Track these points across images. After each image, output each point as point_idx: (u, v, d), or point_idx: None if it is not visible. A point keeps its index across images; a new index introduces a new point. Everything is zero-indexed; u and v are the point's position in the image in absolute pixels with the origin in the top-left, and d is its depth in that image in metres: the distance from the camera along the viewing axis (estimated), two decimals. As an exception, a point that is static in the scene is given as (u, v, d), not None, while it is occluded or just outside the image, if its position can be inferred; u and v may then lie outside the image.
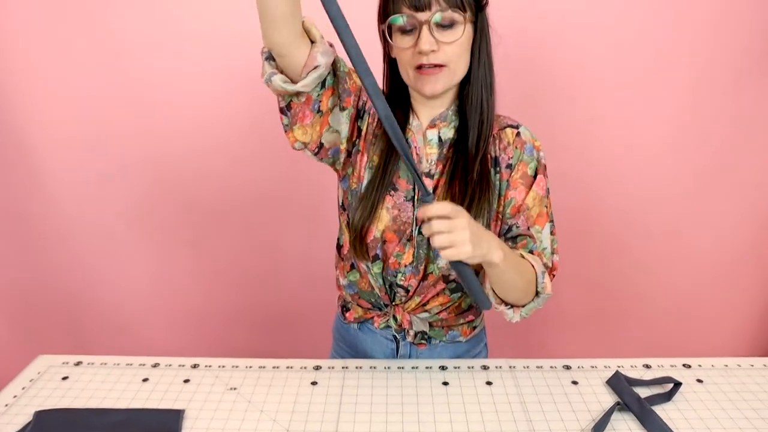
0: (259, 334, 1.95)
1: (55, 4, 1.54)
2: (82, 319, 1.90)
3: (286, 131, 0.97)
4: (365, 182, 1.03)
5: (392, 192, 1.02)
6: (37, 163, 1.70)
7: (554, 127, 1.68)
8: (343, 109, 0.99)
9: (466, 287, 0.90)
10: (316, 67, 0.86)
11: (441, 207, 0.81)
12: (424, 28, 0.91)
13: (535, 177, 1.04)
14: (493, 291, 0.99)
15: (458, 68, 0.97)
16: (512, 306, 1.01)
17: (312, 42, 0.88)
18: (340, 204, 1.10)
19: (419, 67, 0.94)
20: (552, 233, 1.06)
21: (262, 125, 1.66)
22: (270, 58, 0.88)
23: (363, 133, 1.03)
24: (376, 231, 1.02)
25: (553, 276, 1.05)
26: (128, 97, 1.64)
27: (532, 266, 0.98)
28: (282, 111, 0.95)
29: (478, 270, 0.99)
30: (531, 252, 1.03)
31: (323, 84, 0.92)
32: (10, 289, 1.87)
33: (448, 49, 0.93)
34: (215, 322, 1.93)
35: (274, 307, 1.91)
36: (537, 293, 1.00)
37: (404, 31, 0.93)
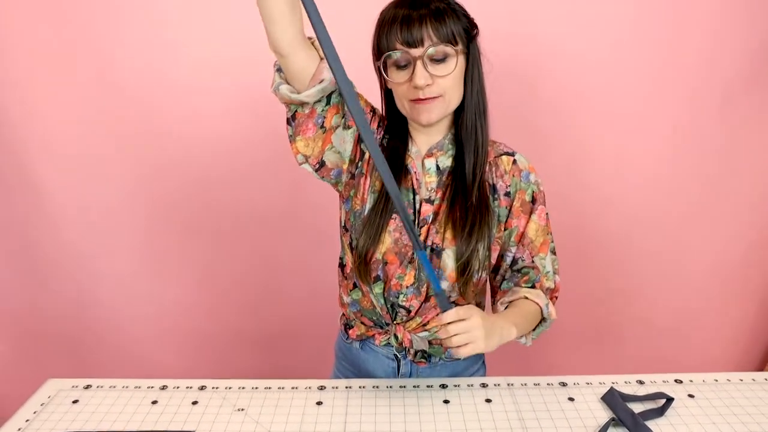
0: (264, 352, 1.97)
1: (54, 14, 1.56)
2: (85, 342, 1.91)
3: (290, 142, 1.00)
4: (368, 206, 1.06)
5: (394, 216, 1.06)
6: (37, 186, 1.72)
7: (548, 148, 1.73)
8: (347, 128, 1.02)
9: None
10: (321, 81, 0.91)
11: (454, 313, 0.89)
12: (418, 63, 0.95)
13: (533, 202, 1.09)
14: None
15: (452, 98, 1.01)
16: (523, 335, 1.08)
17: (321, 59, 0.92)
18: (342, 225, 1.13)
19: (415, 100, 0.99)
20: (554, 254, 1.12)
21: (265, 144, 1.69)
22: (280, 70, 0.93)
23: (366, 156, 1.07)
24: (377, 253, 1.06)
25: (556, 297, 1.10)
26: (129, 120, 1.67)
27: (537, 304, 1.05)
28: (288, 121, 0.99)
29: None
30: (533, 285, 1.10)
31: (329, 100, 0.96)
32: (14, 315, 1.88)
33: (442, 82, 0.97)
34: (219, 341, 1.95)
35: (278, 325, 1.93)
36: (544, 319, 1.07)
37: (399, 66, 0.98)
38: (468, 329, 0.89)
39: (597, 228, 1.84)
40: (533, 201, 1.09)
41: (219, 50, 1.61)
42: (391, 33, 0.95)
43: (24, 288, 1.85)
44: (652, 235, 1.85)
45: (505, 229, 1.09)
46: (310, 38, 0.92)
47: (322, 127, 0.98)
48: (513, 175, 1.08)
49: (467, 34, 1.00)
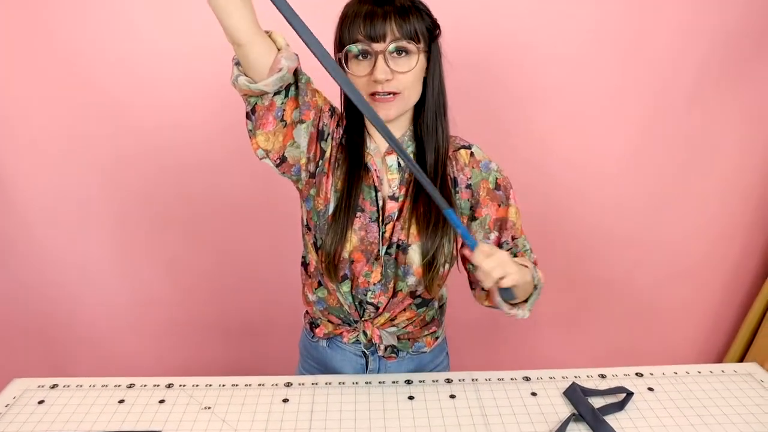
0: (233, 343, 1.98)
1: (26, 20, 1.54)
2: (56, 334, 1.90)
3: (250, 137, 0.99)
4: (332, 206, 1.07)
5: (359, 214, 1.06)
6: (3, 178, 1.70)
7: (515, 141, 1.74)
8: (302, 122, 1.01)
9: (510, 297, 1.00)
10: (279, 70, 0.90)
11: (483, 252, 0.92)
12: (380, 57, 0.95)
13: (498, 189, 1.10)
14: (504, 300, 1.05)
15: (411, 95, 1.02)
16: (518, 305, 1.07)
17: (279, 50, 0.91)
18: (305, 224, 1.13)
19: (373, 94, 0.99)
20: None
21: (233, 134, 1.67)
22: (238, 63, 0.92)
23: (327, 155, 1.06)
24: (344, 252, 1.06)
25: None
26: (100, 113, 1.64)
27: (526, 266, 1.04)
28: (247, 116, 0.97)
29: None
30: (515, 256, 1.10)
31: (287, 93, 0.95)
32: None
33: (402, 78, 0.97)
34: (188, 333, 1.95)
35: (246, 316, 1.94)
36: (535, 286, 1.07)
37: (359, 60, 0.98)
38: (500, 263, 0.91)
39: (563, 220, 1.86)
40: (498, 187, 1.10)
41: (186, 39, 1.58)
42: (354, 26, 0.95)
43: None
44: (616, 229, 1.87)
45: (474, 219, 1.10)
46: (267, 31, 0.91)
47: (282, 120, 0.96)
48: (473, 167, 1.10)
49: (430, 33, 1.00)
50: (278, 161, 1.01)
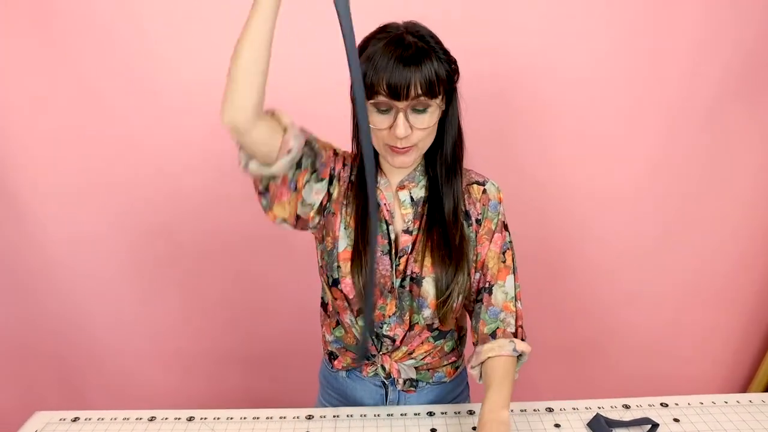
0: (253, 372, 1.97)
1: (38, 51, 1.55)
2: (74, 361, 1.91)
3: (265, 211, 1.02)
4: (341, 244, 1.06)
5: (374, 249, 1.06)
6: (24, 211, 1.71)
7: (526, 162, 1.73)
8: (320, 180, 1.03)
9: None
10: (289, 151, 0.92)
11: None
12: (401, 114, 0.94)
13: (496, 232, 1.09)
14: None
15: (426, 144, 1.01)
16: None
17: (285, 130, 0.93)
18: (319, 265, 1.14)
19: (391, 146, 0.98)
20: (515, 281, 1.11)
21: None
22: (242, 148, 0.93)
23: (334, 196, 1.07)
24: (358, 285, 1.06)
25: (520, 325, 1.10)
26: (114, 145, 1.65)
27: (507, 357, 1.04)
28: (260, 194, 1.00)
29: None
30: (494, 333, 1.07)
31: (299, 165, 0.97)
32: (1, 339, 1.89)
33: (420, 133, 0.97)
34: (208, 361, 1.95)
35: (265, 345, 1.93)
36: (519, 357, 1.06)
37: (379, 110, 0.95)
38: None
39: (581, 243, 1.84)
40: (497, 230, 1.09)
41: (207, 71, 1.59)
42: (378, 77, 0.92)
43: (9, 311, 1.84)
44: (635, 251, 1.85)
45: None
46: (269, 111, 0.94)
47: (295, 189, 0.99)
48: (483, 204, 1.09)
49: (449, 80, 0.98)
50: (295, 223, 1.04)
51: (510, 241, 1.11)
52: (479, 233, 1.09)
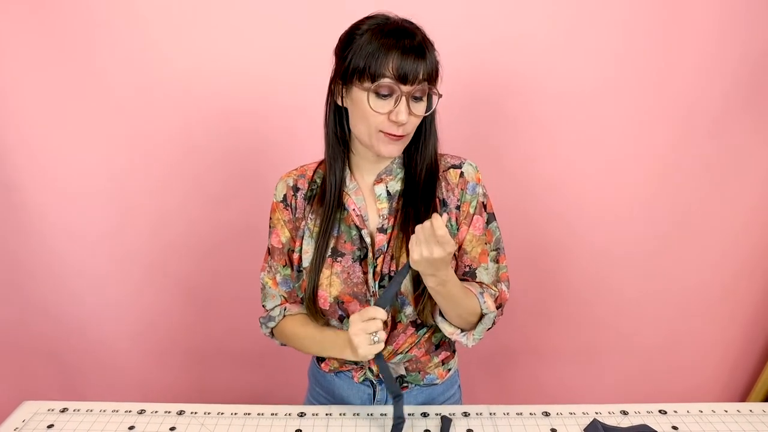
0: (245, 368, 1.96)
1: (47, 50, 1.55)
2: (68, 355, 1.89)
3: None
4: (307, 258, 1.07)
5: (339, 258, 1.05)
6: (22, 205, 1.70)
7: (535, 172, 1.72)
8: (294, 242, 1.11)
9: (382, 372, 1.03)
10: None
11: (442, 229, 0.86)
12: (403, 99, 0.93)
13: (475, 214, 1.08)
14: (445, 318, 1.04)
15: (411, 135, 1.01)
16: (463, 331, 1.05)
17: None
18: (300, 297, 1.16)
19: (387, 133, 0.96)
20: (496, 262, 1.10)
21: (249, 159, 1.68)
22: (272, 334, 1.18)
23: (297, 214, 1.10)
24: (330, 297, 1.05)
25: (500, 305, 1.08)
26: (118, 145, 1.65)
27: (471, 290, 1.02)
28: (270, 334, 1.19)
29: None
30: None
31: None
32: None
33: (414, 121, 0.97)
34: (200, 357, 1.93)
35: (257, 341, 1.90)
36: (482, 316, 1.03)
37: (379, 95, 0.93)
38: (430, 249, 0.87)
39: (580, 250, 1.82)
40: (476, 212, 1.08)
41: (207, 69, 1.59)
42: (386, 60, 0.90)
43: (6, 302, 1.83)
44: (636, 258, 1.83)
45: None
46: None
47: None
48: (461, 188, 1.07)
49: (437, 75, 0.98)
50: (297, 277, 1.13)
51: (493, 222, 1.10)
52: (459, 219, 1.07)
